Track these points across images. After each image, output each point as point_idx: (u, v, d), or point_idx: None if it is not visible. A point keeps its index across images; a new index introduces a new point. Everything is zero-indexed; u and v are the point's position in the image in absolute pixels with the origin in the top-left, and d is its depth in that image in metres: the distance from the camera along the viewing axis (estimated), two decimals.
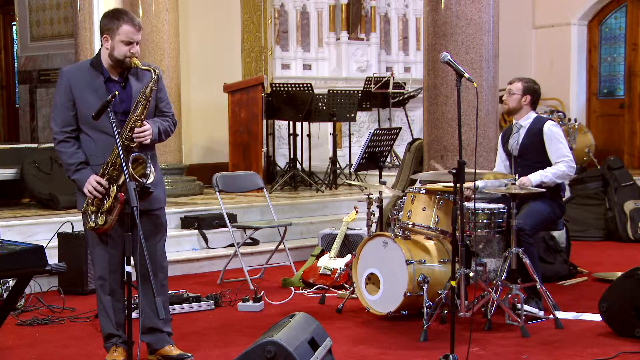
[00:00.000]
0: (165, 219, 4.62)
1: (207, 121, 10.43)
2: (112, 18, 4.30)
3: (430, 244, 5.58)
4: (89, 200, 4.30)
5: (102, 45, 4.36)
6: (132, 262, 4.04)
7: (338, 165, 10.01)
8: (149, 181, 4.21)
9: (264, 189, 7.40)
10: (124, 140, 4.23)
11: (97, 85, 4.32)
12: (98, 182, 4.25)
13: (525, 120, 5.84)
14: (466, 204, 4.82)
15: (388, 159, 10.41)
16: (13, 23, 12.34)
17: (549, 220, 5.77)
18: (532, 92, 5.83)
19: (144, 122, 4.29)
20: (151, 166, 4.26)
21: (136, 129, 4.25)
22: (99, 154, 4.32)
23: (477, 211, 5.32)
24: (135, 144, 4.26)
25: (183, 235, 7.59)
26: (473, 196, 5.24)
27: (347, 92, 10.05)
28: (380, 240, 5.55)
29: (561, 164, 5.69)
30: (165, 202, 4.59)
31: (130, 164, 4.19)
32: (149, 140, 4.31)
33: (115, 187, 4.24)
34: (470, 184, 5.18)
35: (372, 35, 12.01)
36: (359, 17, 11.95)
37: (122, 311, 4.47)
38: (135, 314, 4.54)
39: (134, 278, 4.28)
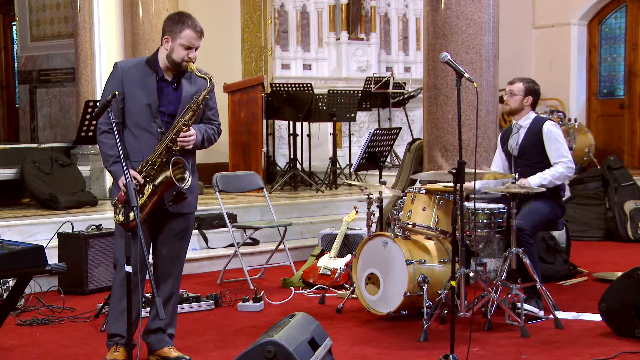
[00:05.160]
0: (192, 223, 4.65)
1: None
2: (177, 21, 4.34)
3: (430, 244, 5.57)
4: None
5: (161, 44, 4.39)
6: (147, 262, 4.04)
7: (338, 165, 10.01)
8: (185, 186, 4.24)
9: (264, 189, 7.40)
10: (168, 141, 4.26)
11: (149, 83, 4.35)
12: (133, 177, 4.23)
13: (525, 120, 5.84)
14: (466, 204, 4.82)
15: (388, 159, 10.40)
16: (13, 23, 12.33)
17: (549, 220, 5.77)
18: (534, 93, 5.85)
19: (191, 127, 4.31)
20: (189, 172, 4.29)
21: (182, 133, 4.27)
22: (140, 151, 4.33)
23: (477, 211, 5.31)
24: (178, 147, 4.28)
25: None
26: (473, 196, 5.24)
27: (347, 92, 10.04)
28: (380, 240, 5.55)
29: (559, 165, 5.70)
30: (195, 208, 4.60)
31: (170, 167, 4.21)
32: (191, 146, 4.34)
33: (151, 186, 4.25)
34: (469, 185, 5.18)
35: (372, 35, 12.01)
36: (359, 17, 11.95)
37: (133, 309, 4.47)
38: (143, 313, 4.55)
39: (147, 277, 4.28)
